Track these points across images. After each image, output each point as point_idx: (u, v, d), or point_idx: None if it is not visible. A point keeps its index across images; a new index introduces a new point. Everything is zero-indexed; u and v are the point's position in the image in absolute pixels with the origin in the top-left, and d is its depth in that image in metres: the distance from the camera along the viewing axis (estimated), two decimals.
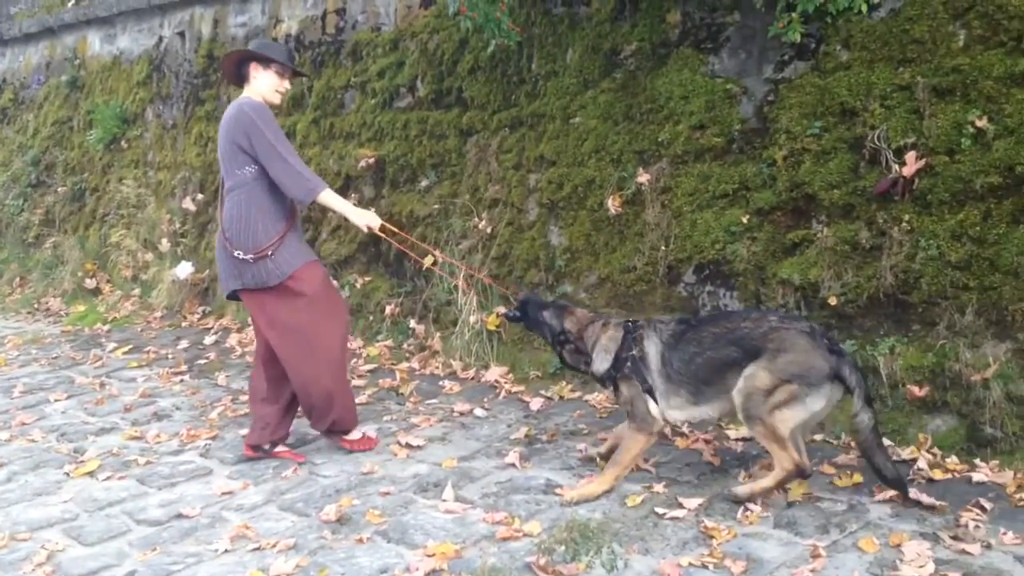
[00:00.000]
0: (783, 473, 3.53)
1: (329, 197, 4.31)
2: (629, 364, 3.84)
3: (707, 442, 4.27)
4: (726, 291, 4.83)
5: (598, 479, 3.85)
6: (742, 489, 3.62)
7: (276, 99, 4.47)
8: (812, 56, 4.68)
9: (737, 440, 4.28)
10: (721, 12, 5.05)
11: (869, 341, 4.30)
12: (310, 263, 4.43)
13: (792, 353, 3.49)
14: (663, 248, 5.05)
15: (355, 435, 4.57)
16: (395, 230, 4.88)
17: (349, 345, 6.38)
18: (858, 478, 3.76)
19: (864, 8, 4.44)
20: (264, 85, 4.43)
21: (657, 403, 3.79)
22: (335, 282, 6.82)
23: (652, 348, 3.84)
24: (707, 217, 4.90)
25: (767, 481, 3.57)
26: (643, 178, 5.12)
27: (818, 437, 4.25)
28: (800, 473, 3.55)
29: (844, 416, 4.27)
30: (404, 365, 5.95)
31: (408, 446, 4.52)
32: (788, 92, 4.71)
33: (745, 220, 4.75)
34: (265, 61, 4.41)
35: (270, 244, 4.30)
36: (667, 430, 4.09)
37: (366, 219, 4.40)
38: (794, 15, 4.55)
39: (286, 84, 4.50)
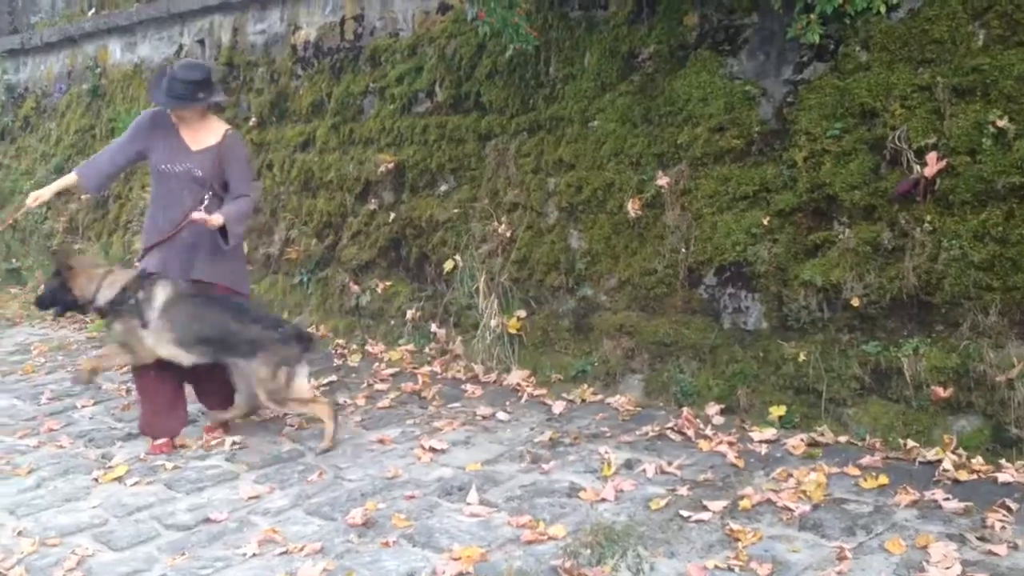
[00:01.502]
0: (327, 417, 4.69)
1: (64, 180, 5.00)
2: (132, 303, 4.61)
3: (731, 444, 4.28)
4: (747, 293, 4.83)
5: (96, 356, 5.20)
6: (323, 444, 4.65)
7: (176, 119, 4.85)
8: (831, 57, 4.67)
9: (761, 442, 4.29)
10: (739, 14, 5.04)
11: (893, 342, 4.29)
12: None
13: (269, 346, 4.60)
14: (683, 251, 5.05)
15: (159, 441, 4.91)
16: (14, 217, 5.75)
17: (372, 349, 6.48)
18: (884, 480, 3.76)
19: (883, 9, 4.43)
20: None
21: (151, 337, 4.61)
22: (356, 287, 6.88)
23: (162, 294, 4.62)
24: (727, 219, 4.90)
25: (328, 426, 4.67)
26: (662, 181, 5.13)
27: (843, 439, 4.24)
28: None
29: (868, 418, 4.28)
30: (426, 369, 5.98)
31: (432, 450, 4.54)
32: (807, 93, 4.70)
33: (766, 222, 4.75)
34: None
35: (143, 250, 4.93)
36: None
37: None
38: (812, 16, 4.54)
39: (178, 113, 4.78)
